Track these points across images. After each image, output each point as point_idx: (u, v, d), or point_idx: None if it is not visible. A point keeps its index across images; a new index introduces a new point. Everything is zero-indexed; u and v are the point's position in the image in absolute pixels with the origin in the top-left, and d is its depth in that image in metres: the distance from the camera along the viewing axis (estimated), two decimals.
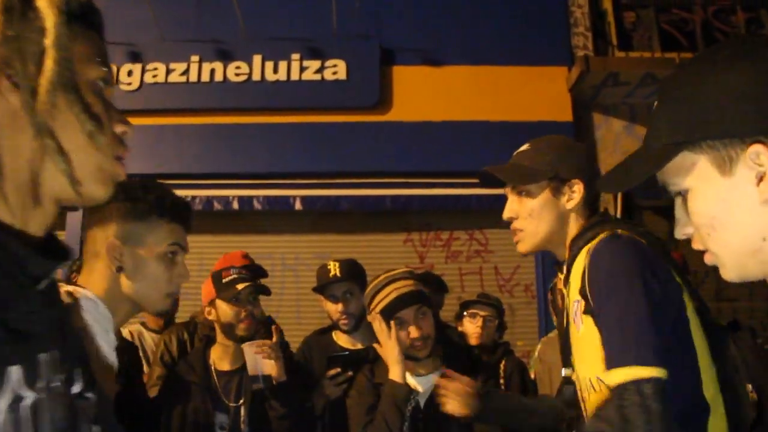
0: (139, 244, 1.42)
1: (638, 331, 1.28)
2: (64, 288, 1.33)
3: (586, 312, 1.43)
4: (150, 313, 1.53)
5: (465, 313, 3.53)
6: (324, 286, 2.85)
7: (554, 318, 3.73)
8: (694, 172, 0.80)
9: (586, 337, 1.43)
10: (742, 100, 0.74)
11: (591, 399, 1.43)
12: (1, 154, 0.71)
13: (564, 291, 1.63)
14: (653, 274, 1.35)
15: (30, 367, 0.67)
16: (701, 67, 0.79)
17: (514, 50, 5.84)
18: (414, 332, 2.25)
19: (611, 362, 1.30)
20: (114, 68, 5.72)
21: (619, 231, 1.45)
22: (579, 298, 1.46)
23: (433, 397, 2.16)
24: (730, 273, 0.83)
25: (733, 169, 0.76)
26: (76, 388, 0.76)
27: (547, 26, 5.96)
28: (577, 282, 1.48)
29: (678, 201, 0.85)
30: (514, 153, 1.73)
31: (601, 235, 1.46)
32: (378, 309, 2.30)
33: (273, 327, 2.58)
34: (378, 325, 2.30)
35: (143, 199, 1.43)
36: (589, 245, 1.48)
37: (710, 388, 1.34)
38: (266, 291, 2.67)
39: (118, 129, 0.86)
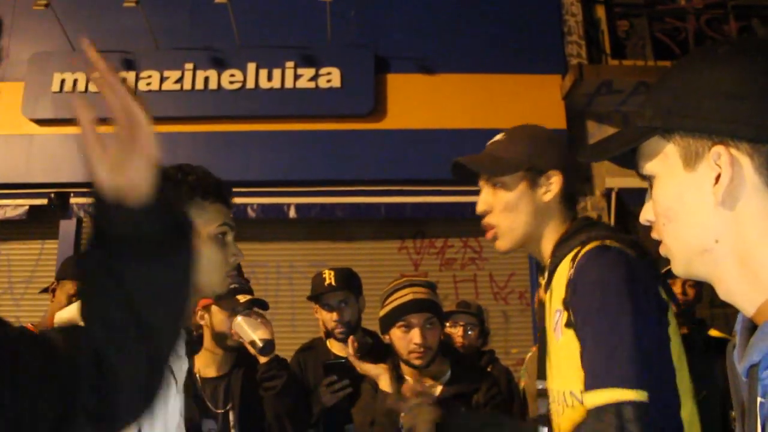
0: None
1: (622, 351, 1.23)
2: None
3: (568, 325, 1.37)
4: (210, 298, 1.51)
5: (446, 323, 3.53)
6: (319, 295, 2.84)
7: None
8: (662, 159, 0.80)
9: (564, 349, 1.38)
10: (723, 99, 0.73)
11: (565, 414, 1.38)
12: None
13: (544, 297, 1.56)
14: (642, 291, 1.30)
15: None
16: (698, 59, 0.79)
17: (508, 58, 5.86)
18: (416, 338, 2.25)
19: (592, 383, 1.25)
20: None
21: (608, 242, 1.36)
22: (561, 308, 1.40)
23: (441, 405, 2.16)
24: (677, 268, 0.83)
25: (697, 165, 0.76)
26: None
27: (541, 35, 5.99)
28: (560, 291, 1.42)
29: (649, 187, 0.85)
30: (488, 143, 1.63)
31: (590, 245, 1.37)
32: (391, 306, 2.31)
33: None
34: (350, 346, 2.34)
35: (184, 182, 1.38)
36: (573, 253, 1.41)
37: (687, 409, 1.31)
38: (264, 305, 2.65)
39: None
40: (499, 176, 1.55)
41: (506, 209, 1.54)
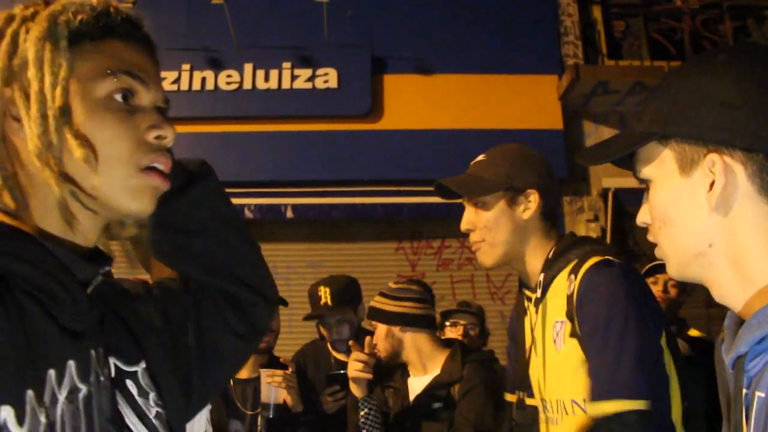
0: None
1: (628, 363, 1.32)
2: None
3: (572, 335, 1.45)
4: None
5: (446, 323, 3.53)
6: (316, 316, 2.87)
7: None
8: (659, 164, 0.82)
9: (567, 358, 1.46)
10: (719, 107, 0.75)
11: (565, 422, 1.46)
12: (31, 184, 0.77)
13: (531, 310, 1.63)
14: (644, 305, 1.39)
15: (83, 362, 0.75)
16: (697, 66, 0.81)
17: (504, 59, 5.86)
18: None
19: (599, 393, 1.34)
20: None
21: (610, 257, 1.47)
22: (563, 319, 1.47)
23: (420, 398, 2.32)
24: (672, 270, 0.85)
25: (692, 172, 0.78)
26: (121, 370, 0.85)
27: (538, 35, 5.99)
28: (560, 304, 1.49)
29: (645, 190, 0.87)
30: (471, 163, 1.72)
31: (592, 260, 1.46)
32: None
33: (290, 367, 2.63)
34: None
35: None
36: (571, 266, 1.50)
37: (676, 412, 1.40)
38: (284, 302, 2.67)
39: (151, 135, 0.83)
40: (479, 197, 1.62)
41: (487, 227, 1.61)
